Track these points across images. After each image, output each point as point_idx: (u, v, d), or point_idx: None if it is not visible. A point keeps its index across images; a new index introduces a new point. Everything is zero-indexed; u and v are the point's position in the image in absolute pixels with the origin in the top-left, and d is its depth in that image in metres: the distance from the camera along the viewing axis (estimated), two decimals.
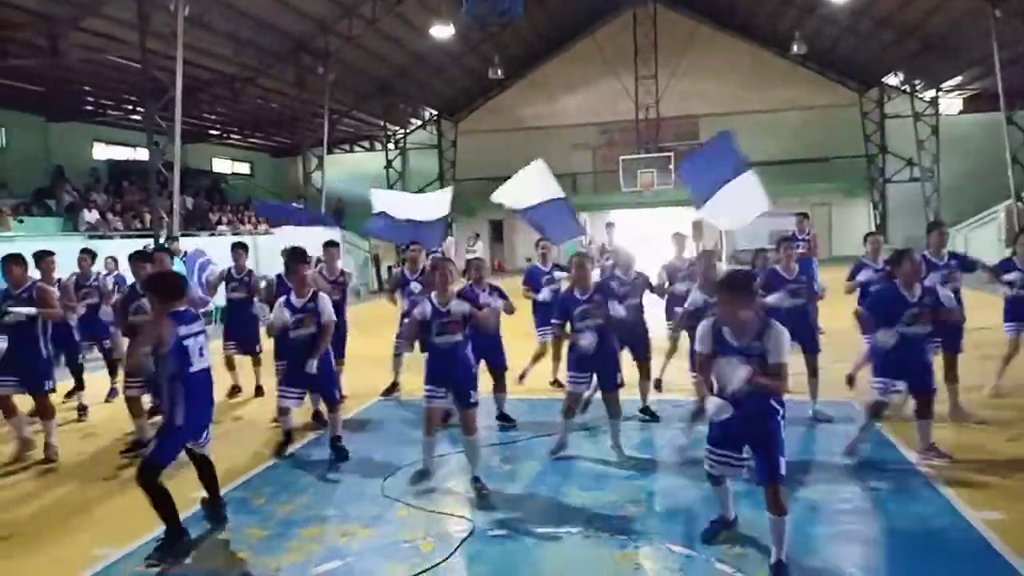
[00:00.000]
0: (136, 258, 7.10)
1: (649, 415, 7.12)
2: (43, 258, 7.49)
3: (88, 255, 8.80)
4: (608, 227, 12.20)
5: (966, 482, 5.17)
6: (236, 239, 9.13)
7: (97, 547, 4.56)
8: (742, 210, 8.12)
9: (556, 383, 8.27)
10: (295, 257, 6.46)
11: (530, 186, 8.85)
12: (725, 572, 4.03)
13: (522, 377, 8.26)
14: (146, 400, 6.67)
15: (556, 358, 8.28)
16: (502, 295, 7.01)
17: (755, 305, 4.00)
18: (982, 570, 4.01)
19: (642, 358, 7.17)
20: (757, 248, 8.16)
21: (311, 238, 11.68)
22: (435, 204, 9.31)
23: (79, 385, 7.99)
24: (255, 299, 8.37)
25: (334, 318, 6.42)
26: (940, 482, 5.18)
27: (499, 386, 7.16)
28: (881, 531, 4.53)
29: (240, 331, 8.58)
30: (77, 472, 6.15)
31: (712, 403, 4.01)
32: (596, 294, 5.95)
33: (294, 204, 9.53)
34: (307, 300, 6.28)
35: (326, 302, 6.35)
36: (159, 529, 4.79)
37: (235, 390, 8.72)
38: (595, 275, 6.74)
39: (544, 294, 8.14)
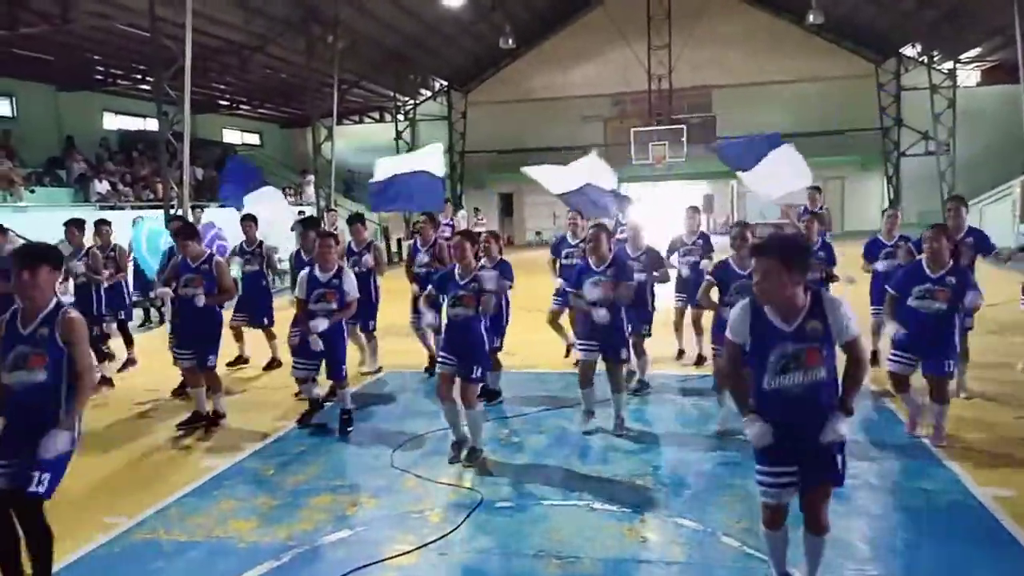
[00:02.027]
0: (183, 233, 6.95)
1: (642, 386, 7.16)
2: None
3: (105, 224, 8.87)
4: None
5: (975, 459, 5.16)
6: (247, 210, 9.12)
7: (109, 515, 4.62)
8: (786, 182, 8.09)
9: (569, 352, 8.25)
10: (321, 232, 6.43)
11: (573, 174, 8.86)
12: (731, 546, 4.05)
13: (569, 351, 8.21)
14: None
15: (556, 329, 8.24)
16: (505, 273, 6.81)
17: (804, 279, 3.16)
18: (991, 548, 4.00)
19: (638, 331, 7.13)
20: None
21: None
22: (427, 161, 8.61)
23: (103, 356, 8.07)
24: (267, 270, 8.54)
25: (358, 295, 6.39)
26: (949, 459, 5.17)
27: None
28: (889, 508, 4.53)
29: (250, 303, 8.56)
30: (93, 442, 6.19)
31: (754, 427, 3.23)
32: (610, 267, 5.86)
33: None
34: (332, 275, 6.22)
35: (351, 279, 6.30)
36: (172, 497, 4.88)
37: (240, 360, 8.74)
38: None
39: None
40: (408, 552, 4.09)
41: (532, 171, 9.01)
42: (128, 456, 5.87)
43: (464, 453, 5.45)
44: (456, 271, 5.52)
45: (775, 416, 3.22)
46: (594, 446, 5.76)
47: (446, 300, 5.51)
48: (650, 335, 7.35)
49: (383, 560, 4.01)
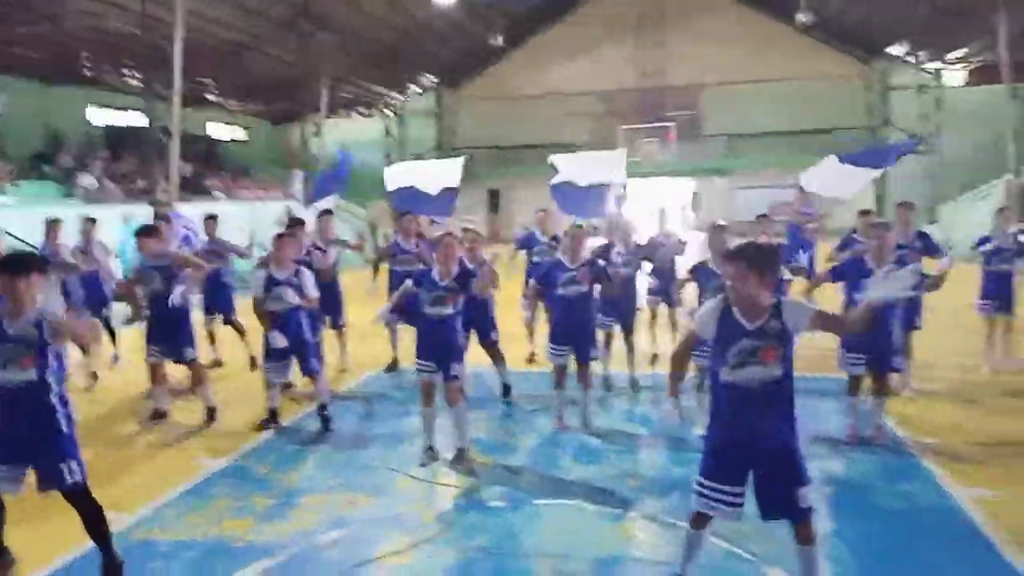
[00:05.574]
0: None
1: (634, 388, 7.27)
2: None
3: (90, 222, 8.79)
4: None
5: (954, 459, 5.27)
6: (232, 205, 8.96)
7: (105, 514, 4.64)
8: (845, 182, 8.77)
9: (532, 359, 8.40)
10: (280, 232, 6.47)
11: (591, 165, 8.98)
12: (719, 545, 4.10)
13: (531, 358, 8.39)
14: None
15: (531, 333, 8.46)
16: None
17: (772, 284, 3.36)
18: (970, 549, 4.09)
19: (628, 330, 7.30)
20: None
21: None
22: (444, 175, 8.71)
23: (84, 351, 8.02)
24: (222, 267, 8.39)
25: (317, 293, 6.42)
26: (928, 459, 5.28)
27: (495, 358, 7.09)
28: (868, 508, 4.61)
29: (216, 301, 8.56)
30: (86, 441, 6.18)
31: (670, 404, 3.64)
32: (584, 266, 5.99)
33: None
34: (290, 274, 6.26)
35: (308, 277, 6.31)
36: (168, 496, 4.91)
37: (214, 364, 8.55)
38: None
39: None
40: (402, 552, 4.15)
41: (558, 159, 9.01)
42: (122, 455, 5.88)
43: (440, 454, 5.55)
44: (436, 272, 5.49)
45: (729, 413, 3.39)
46: (584, 446, 5.83)
47: (426, 298, 5.46)
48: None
49: (377, 559, 4.08)
